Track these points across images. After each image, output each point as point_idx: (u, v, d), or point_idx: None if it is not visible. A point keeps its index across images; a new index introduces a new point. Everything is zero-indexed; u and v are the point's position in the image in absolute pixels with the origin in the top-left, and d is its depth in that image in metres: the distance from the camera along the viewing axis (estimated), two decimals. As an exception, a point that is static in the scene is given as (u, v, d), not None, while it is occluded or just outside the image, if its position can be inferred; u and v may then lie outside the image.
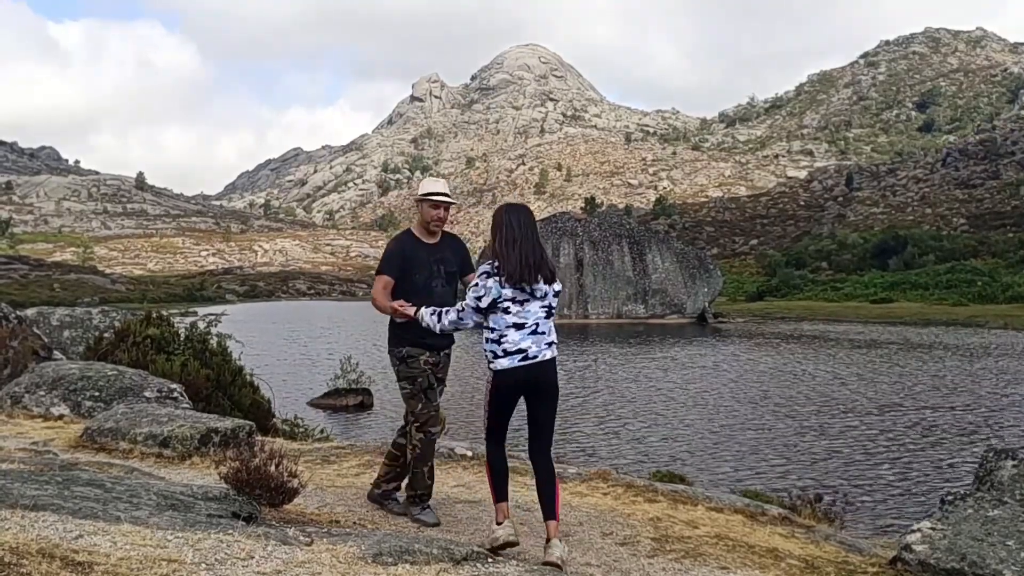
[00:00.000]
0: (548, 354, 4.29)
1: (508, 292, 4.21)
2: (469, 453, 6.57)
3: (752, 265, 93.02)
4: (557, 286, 4.34)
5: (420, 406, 4.85)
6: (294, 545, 3.24)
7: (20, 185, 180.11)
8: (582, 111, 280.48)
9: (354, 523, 4.67)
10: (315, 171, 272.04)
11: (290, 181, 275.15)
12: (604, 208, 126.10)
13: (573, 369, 26.47)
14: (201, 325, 13.26)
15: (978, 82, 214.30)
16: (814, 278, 77.42)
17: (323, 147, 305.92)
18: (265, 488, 4.17)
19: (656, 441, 15.72)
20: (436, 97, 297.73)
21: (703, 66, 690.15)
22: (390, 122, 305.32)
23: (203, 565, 2.82)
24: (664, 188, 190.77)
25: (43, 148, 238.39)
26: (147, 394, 7.86)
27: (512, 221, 4.29)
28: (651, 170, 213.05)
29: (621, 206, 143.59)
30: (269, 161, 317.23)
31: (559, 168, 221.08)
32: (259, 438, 6.73)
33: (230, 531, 3.28)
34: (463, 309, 4.33)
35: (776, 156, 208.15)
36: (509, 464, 4.54)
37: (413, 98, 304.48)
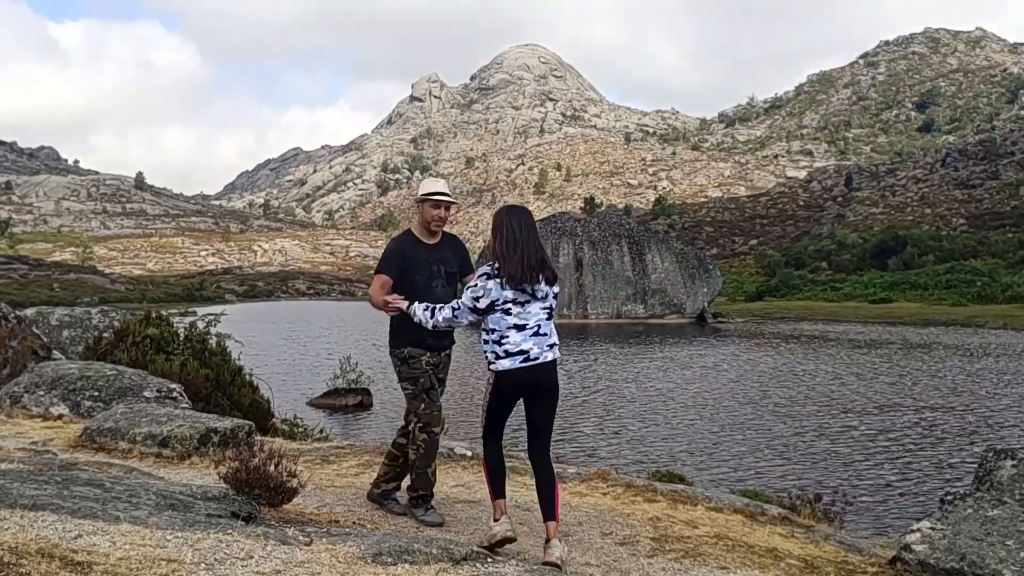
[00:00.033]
0: (549, 356, 4.29)
1: (509, 294, 4.21)
2: (469, 453, 6.57)
3: (752, 265, 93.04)
4: (556, 287, 4.35)
5: (423, 406, 4.84)
6: (293, 545, 3.24)
7: (20, 185, 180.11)
8: (582, 111, 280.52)
9: (353, 523, 4.67)
10: (315, 171, 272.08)
11: (290, 181, 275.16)
12: (603, 208, 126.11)
13: (573, 369, 26.48)
14: (200, 325, 13.27)
15: (978, 82, 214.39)
16: (813, 278, 77.46)
17: (323, 147, 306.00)
18: (264, 488, 4.17)
19: (655, 441, 15.72)
20: (436, 97, 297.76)
21: (703, 66, 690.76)
22: (390, 122, 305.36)
23: (202, 565, 2.82)
24: (664, 188, 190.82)
25: (43, 148, 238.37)
26: (146, 394, 7.86)
27: (512, 223, 4.29)
28: (651, 170, 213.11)
29: (620, 206, 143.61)
30: (269, 161, 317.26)
31: (558, 168, 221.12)
32: (258, 438, 6.72)
33: (229, 531, 3.28)
34: (459, 307, 4.33)
35: (776, 156, 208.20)
36: (509, 464, 4.55)
37: (413, 98, 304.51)
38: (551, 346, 4.31)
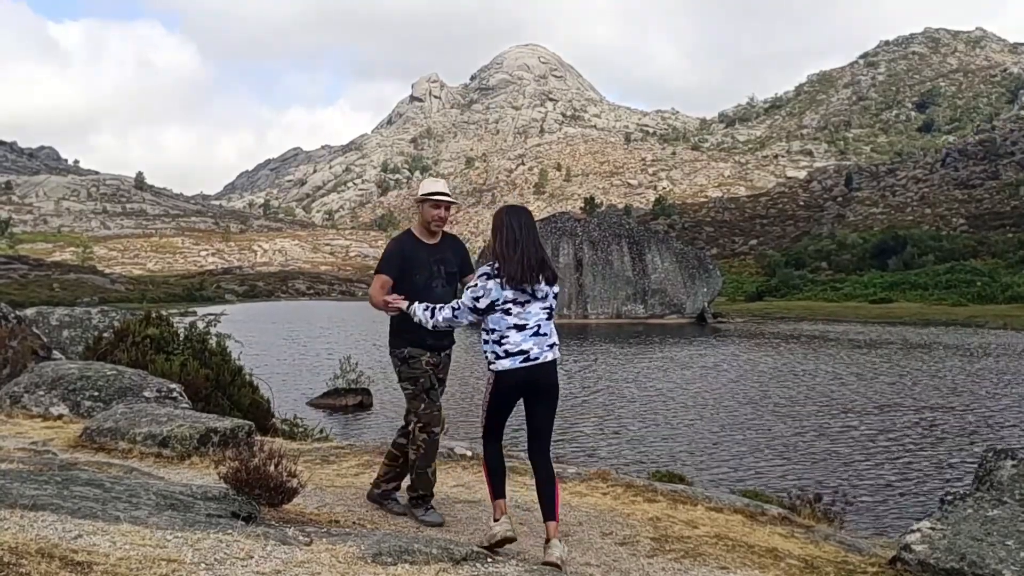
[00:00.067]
0: (550, 356, 4.29)
1: (509, 294, 4.21)
2: (469, 453, 6.57)
3: (751, 265, 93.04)
4: (556, 287, 4.35)
5: (423, 406, 4.84)
6: (293, 545, 3.24)
7: (20, 185, 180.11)
8: (582, 111, 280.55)
9: (353, 523, 4.67)
10: (315, 171, 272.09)
11: (289, 181, 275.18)
12: (603, 208, 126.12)
13: (573, 369, 26.48)
14: (200, 325, 13.27)
15: (978, 82, 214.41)
16: (813, 278, 77.47)
17: (323, 147, 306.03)
18: (264, 488, 4.17)
19: (656, 441, 15.72)
20: (436, 97, 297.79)
21: (703, 66, 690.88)
22: (390, 122, 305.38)
23: (202, 565, 2.82)
24: (663, 188, 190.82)
25: (43, 148, 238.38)
26: (146, 394, 7.86)
27: (512, 223, 4.29)
28: (651, 170, 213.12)
29: (620, 206, 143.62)
30: (269, 161, 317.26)
31: (559, 168, 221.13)
32: (258, 438, 6.72)
33: (229, 531, 3.28)
34: (459, 307, 4.33)
35: (776, 156, 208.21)
36: (509, 464, 4.54)
37: (413, 98, 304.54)
38: (551, 346, 4.31)
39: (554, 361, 4.33)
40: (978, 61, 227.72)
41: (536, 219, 4.57)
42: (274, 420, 11.37)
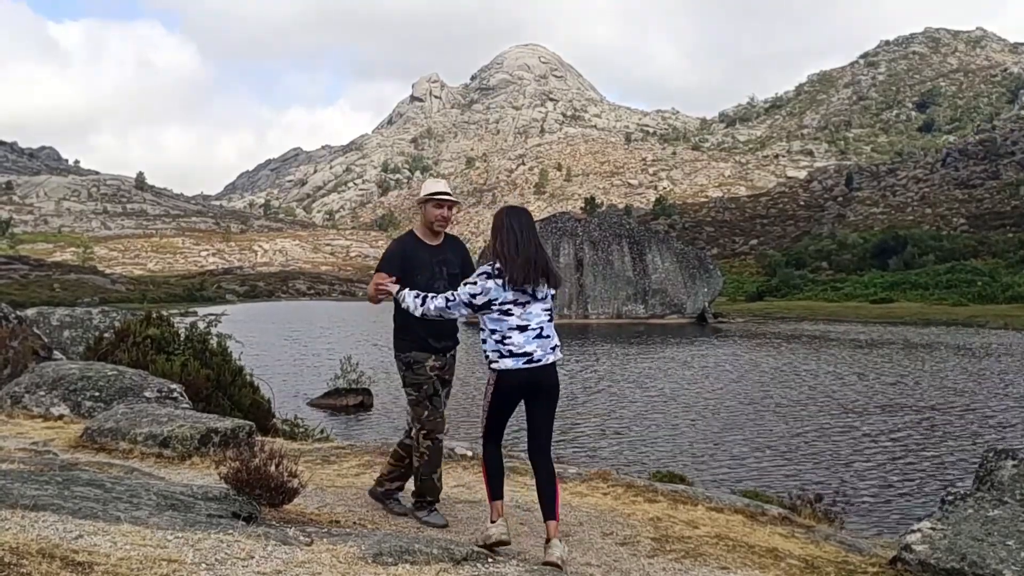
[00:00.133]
0: (551, 358, 4.29)
1: (509, 296, 4.20)
2: (469, 453, 6.57)
3: (752, 265, 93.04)
4: (554, 288, 4.35)
5: (426, 413, 4.83)
6: (294, 545, 3.24)
7: (20, 185, 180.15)
8: (582, 111, 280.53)
9: (354, 523, 4.67)
10: (315, 171, 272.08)
11: (290, 181, 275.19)
12: (604, 208, 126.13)
13: (574, 369, 26.48)
14: (201, 325, 13.26)
15: (978, 82, 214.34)
16: (814, 278, 77.45)
17: (323, 147, 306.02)
18: (265, 488, 4.17)
19: (656, 441, 15.72)
20: (436, 97, 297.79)
21: (703, 66, 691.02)
22: (390, 122, 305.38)
23: (203, 565, 2.82)
24: (664, 188, 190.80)
25: (43, 148, 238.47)
26: (147, 394, 7.86)
27: (513, 224, 4.29)
28: (651, 170, 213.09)
29: (621, 206, 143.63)
30: (269, 161, 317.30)
31: (559, 168, 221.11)
32: (259, 438, 6.73)
33: (230, 531, 3.28)
34: (453, 300, 4.28)
35: (776, 156, 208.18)
36: (509, 464, 4.54)
37: (413, 98, 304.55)
38: (554, 348, 4.31)
39: (555, 362, 4.33)
40: (978, 61, 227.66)
41: (536, 219, 4.58)
42: (275, 420, 11.37)
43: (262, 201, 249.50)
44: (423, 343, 4.83)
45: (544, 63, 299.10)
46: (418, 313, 4.42)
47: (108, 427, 6.35)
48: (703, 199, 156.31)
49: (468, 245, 5.52)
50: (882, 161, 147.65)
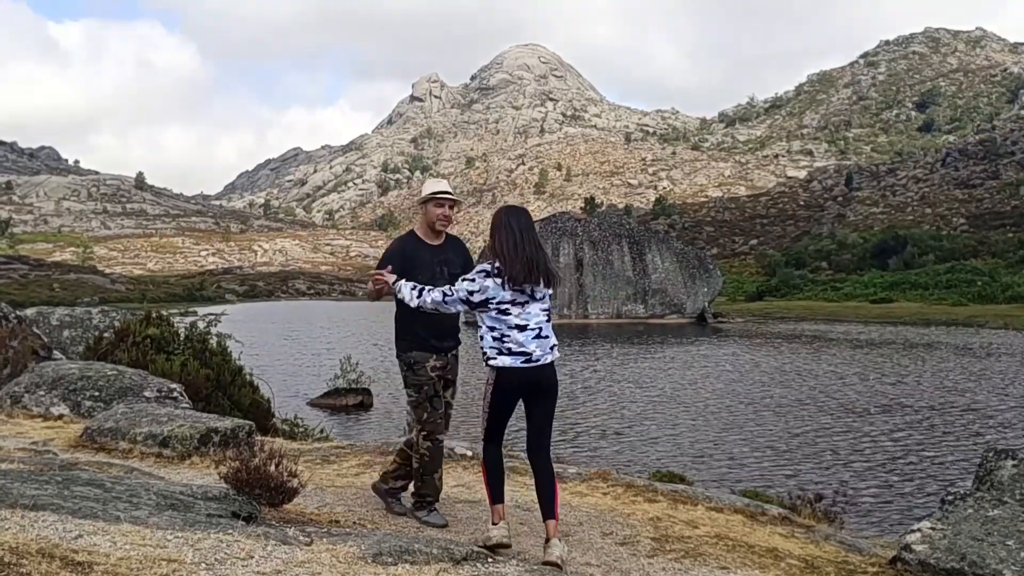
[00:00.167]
0: (550, 357, 4.29)
1: (507, 295, 4.20)
2: (469, 453, 6.57)
3: (752, 265, 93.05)
4: (552, 288, 4.35)
5: (426, 415, 4.82)
6: (294, 545, 3.24)
7: (20, 185, 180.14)
8: (582, 111, 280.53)
9: (354, 523, 4.67)
10: (315, 171, 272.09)
11: (290, 181, 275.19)
12: (604, 208, 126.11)
13: (574, 369, 26.48)
14: (201, 325, 13.27)
15: (978, 82, 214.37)
16: (814, 278, 77.45)
17: (323, 147, 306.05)
18: (265, 488, 4.17)
19: (656, 441, 15.72)
20: (436, 97, 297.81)
21: (703, 66, 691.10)
22: (390, 122, 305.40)
23: (203, 565, 2.82)
24: (664, 188, 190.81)
25: (43, 148, 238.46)
26: (147, 394, 7.86)
27: (512, 223, 4.28)
28: (651, 170, 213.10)
29: (621, 206, 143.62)
30: (269, 161, 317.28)
31: (559, 168, 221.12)
32: (259, 438, 6.73)
33: (230, 531, 3.28)
34: (451, 295, 4.27)
35: (776, 156, 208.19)
36: (509, 464, 4.53)
37: (413, 98, 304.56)
38: (552, 348, 4.31)
39: (553, 362, 4.33)
40: (978, 61, 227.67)
41: (536, 219, 4.58)
42: (274, 420, 11.37)
43: (262, 201, 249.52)
44: (424, 343, 4.83)
45: (544, 63, 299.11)
46: (414, 304, 4.41)
47: (108, 427, 6.35)
48: (703, 199, 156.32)
49: (468, 245, 5.52)
50: (882, 161, 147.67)
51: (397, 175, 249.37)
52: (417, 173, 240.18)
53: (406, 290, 4.45)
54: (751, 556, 4.67)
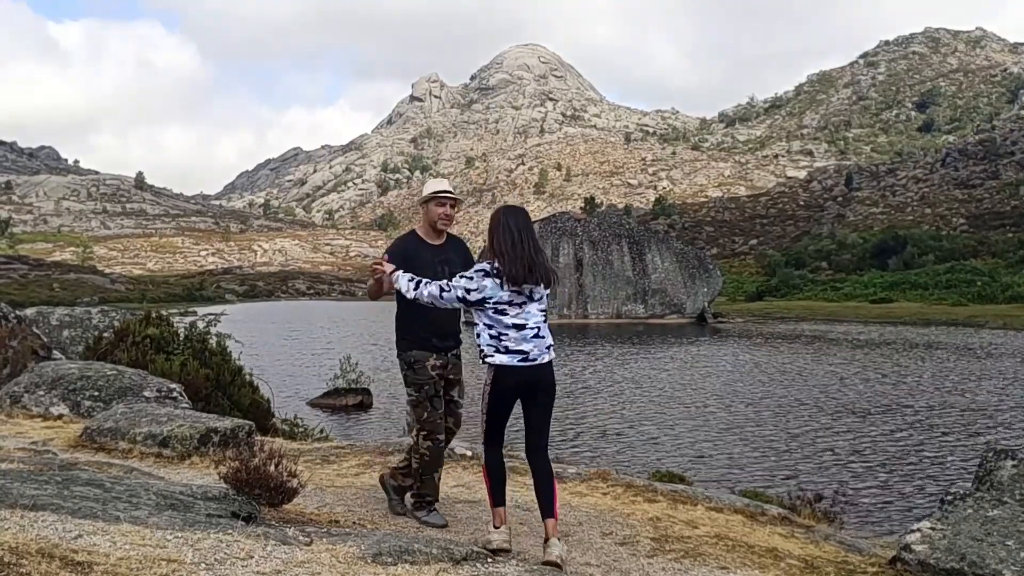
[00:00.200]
0: (547, 357, 4.29)
1: (505, 295, 4.20)
2: (469, 453, 6.57)
3: (752, 265, 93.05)
4: (548, 288, 4.36)
5: (426, 414, 4.82)
6: (294, 545, 3.24)
7: (20, 185, 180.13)
8: (582, 111, 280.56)
9: (354, 523, 4.67)
10: (315, 171, 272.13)
11: (290, 181, 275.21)
12: (604, 208, 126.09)
13: (574, 369, 26.45)
14: (200, 325, 13.28)
15: (978, 82, 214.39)
16: (814, 278, 77.46)
17: (323, 147, 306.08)
18: (264, 488, 4.17)
19: (656, 441, 15.72)
20: (436, 97, 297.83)
21: (703, 66, 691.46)
22: (390, 122, 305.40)
23: (203, 565, 2.82)
24: (664, 188, 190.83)
25: (43, 148, 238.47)
26: (146, 394, 7.86)
27: (510, 223, 4.28)
28: (651, 170, 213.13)
29: (621, 206, 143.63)
30: (269, 161, 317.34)
31: (559, 168, 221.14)
32: (258, 438, 6.73)
33: (230, 531, 3.28)
34: (448, 290, 4.26)
35: (776, 156, 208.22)
36: (509, 464, 4.53)
37: (413, 98, 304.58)
38: (548, 347, 4.31)
39: (551, 362, 4.33)
40: (978, 61, 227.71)
41: (536, 219, 4.58)
42: (274, 420, 11.37)
43: (262, 201, 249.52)
44: (425, 342, 4.83)
45: (544, 63, 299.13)
46: (411, 296, 4.40)
47: (107, 427, 6.35)
48: (703, 199, 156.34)
49: (468, 245, 5.52)
50: (882, 161, 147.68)
51: (397, 175, 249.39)
52: (417, 173, 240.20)
53: (403, 281, 4.45)
54: (751, 556, 4.67)
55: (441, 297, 4.29)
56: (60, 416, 7.51)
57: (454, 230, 5.20)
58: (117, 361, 9.74)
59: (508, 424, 4.40)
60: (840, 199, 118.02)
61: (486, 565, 3.39)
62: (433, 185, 5.00)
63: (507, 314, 4.21)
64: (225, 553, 2.97)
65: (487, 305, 4.20)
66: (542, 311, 4.32)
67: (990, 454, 6.02)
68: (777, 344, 36.94)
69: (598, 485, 6.07)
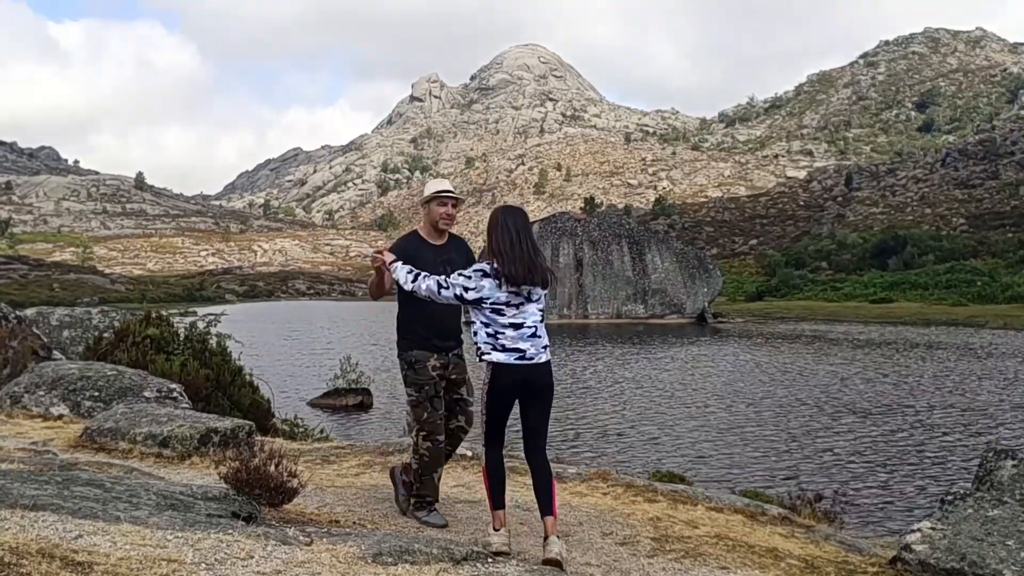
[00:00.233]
0: (544, 357, 4.29)
1: (503, 296, 4.20)
2: (469, 453, 6.56)
3: (752, 265, 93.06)
4: (546, 288, 4.36)
5: (426, 415, 4.81)
6: (294, 545, 3.24)
7: (20, 185, 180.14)
8: (582, 111, 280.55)
9: (354, 523, 4.67)
10: (315, 171, 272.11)
11: (290, 181, 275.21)
12: (604, 208, 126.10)
13: (574, 369, 26.45)
14: (201, 325, 13.27)
15: (977, 82, 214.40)
16: (814, 278, 77.48)
17: (323, 147, 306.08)
18: (265, 488, 4.17)
19: (656, 441, 15.72)
20: (436, 97, 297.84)
21: (703, 66, 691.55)
22: (390, 122, 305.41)
23: (203, 565, 2.82)
24: (664, 188, 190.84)
25: (43, 148, 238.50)
26: (147, 394, 7.86)
27: (509, 223, 4.29)
28: (651, 170, 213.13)
29: (621, 206, 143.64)
30: (269, 161, 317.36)
31: (559, 168, 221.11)
32: (259, 438, 6.73)
33: (230, 531, 3.28)
34: (446, 286, 4.26)
35: (776, 156, 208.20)
36: (508, 464, 4.52)
37: (413, 98, 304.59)
38: (545, 347, 4.31)
39: (548, 362, 4.33)
40: (978, 61, 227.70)
41: (536, 219, 4.58)
42: (274, 420, 11.37)
43: (262, 201, 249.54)
44: (425, 342, 4.82)
45: (544, 63, 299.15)
46: (409, 287, 4.39)
47: (108, 427, 6.35)
48: (703, 199, 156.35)
49: (469, 244, 5.53)
50: (882, 161, 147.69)
51: (397, 175, 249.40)
52: (417, 173, 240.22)
53: (402, 272, 4.44)
54: (751, 556, 4.67)
55: (439, 293, 4.29)
56: (60, 416, 7.51)
57: (454, 230, 5.20)
58: (117, 361, 9.74)
59: (508, 425, 4.40)
60: (840, 199, 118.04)
61: (486, 565, 3.39)
62: (434, 185, 5.00)
63: (504, 314, 4.21)
64: (225, 553, 2.97)
65: (484, 305, 4.20)
66: (540, 311, 4.32)
67: (990, 454, 6.02)
68: (777, 344, 36.94)
69: (598, 485, 6.07)
